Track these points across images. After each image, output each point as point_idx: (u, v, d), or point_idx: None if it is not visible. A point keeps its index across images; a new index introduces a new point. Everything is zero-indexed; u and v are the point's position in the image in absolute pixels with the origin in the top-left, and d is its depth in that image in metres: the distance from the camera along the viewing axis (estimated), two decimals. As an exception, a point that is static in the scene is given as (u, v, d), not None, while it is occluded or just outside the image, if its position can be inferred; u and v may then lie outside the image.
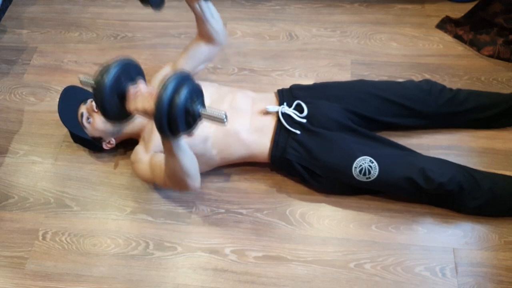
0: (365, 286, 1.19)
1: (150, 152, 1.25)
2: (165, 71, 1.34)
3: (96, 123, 1.30)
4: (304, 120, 1.27)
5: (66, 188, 1.42)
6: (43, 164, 1.49)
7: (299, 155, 1.25)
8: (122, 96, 0.92)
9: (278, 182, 1.38)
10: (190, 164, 1.09)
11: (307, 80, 1.61)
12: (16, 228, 1.36)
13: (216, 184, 1.39)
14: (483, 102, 1.37)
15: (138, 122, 1.33)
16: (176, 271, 1.24)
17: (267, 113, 1.30)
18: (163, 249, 1.28)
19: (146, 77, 1.00)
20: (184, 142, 1.03)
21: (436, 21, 1.76)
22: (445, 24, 1.73)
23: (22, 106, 1.64)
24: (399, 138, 1.38)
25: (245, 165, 1.39)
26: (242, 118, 1.28)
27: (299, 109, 1.29)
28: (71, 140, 1.46)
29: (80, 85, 0.93)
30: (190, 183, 1.13)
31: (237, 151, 1.29)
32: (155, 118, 0.86)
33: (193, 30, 1.31)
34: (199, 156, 1.27)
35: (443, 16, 1.76)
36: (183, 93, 0.85)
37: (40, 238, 1.33)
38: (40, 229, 1.35)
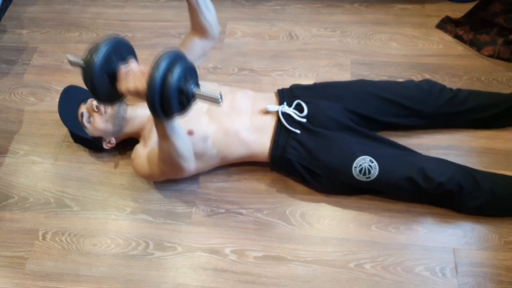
0: (365, 286, 1.19)
1: (148, 148, 1.26)
2: None
3: (96, 122, 1.31)
4: (304, 120, 1.27)
5: (66, 188, 1.42)
6: (43, 164, 1.49)
7: (299, 154, 1.25)
8: (112, 76, 0.88)
9: (278, 182, 1.38)
10: (184, 145, 1.07)
11: (307, 80, 1.61)
12: (16, 228, 1.36)
13: (216, 184, 1.39)
14: (483, 102, 1.37)
15: (139, 122, 1.33)
16: (176, 271, 1.24)
17: (267, 112, 1.30)
18: (163, 249, 1.28)
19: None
20: (178, 123, 1.01)
21: (436, 21, 1.76)
22: (445, 24, 1.73)
23: (22, 106, 1.64)
24: (399, 138, 1.38)
25: (245, 165, 1.39)
26: (242, 117, 1.28)
27: (299, 108, 1.30)
28: (71, 140, 1.46)
29: (70, 65, 0.90)
30: (185, 165, 1.12)
31: (237, 151, 1.29)
32: (147, 98, 0.83)
33: (193, 30, 1.31)
34: (199, 156, 1.28)
35: (443, 16, 1.76)
36: (176, 72, 0.82)
37: (40, 238, 1.33)
38: (40, 229, 1.35)
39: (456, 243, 1.23)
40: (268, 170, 1.40)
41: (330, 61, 1.67)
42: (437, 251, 1.22)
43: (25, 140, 1.55)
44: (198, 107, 1.28)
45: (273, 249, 1.26)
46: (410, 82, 1.38)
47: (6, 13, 1.98)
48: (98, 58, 0.83)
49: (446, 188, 1.16)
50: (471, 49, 1.66)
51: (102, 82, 0.86)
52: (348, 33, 1.76)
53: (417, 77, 1.58)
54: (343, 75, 1.62)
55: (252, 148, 1.28)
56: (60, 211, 1.38)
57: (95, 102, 1.32)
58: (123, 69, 0.88)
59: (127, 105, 1.36)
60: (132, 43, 0.96)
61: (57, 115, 1.36)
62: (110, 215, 1.36)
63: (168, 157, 1.09)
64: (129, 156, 1.34)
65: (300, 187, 1.36)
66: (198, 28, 1.24)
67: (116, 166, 1.46)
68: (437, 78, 1.57)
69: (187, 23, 1.25)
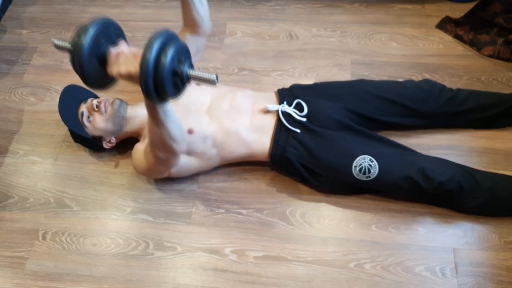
0: (365, 286, 1.19)
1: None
2: None
3: (96, 122, 1.31)
4: (304, 119, 1.27)
5: (66, 188, 1.42)
6: (43, 164, 1.49)
7: (299, 154, 1.25)
8: (102, 59, 0.84)
9: (278, 182, 1.38)
10: (176, 128, 1.04)
11: (307, 80, 1.61)
12: (16, 228, 1.36)
13: (216, 184, 1.39)
14: (483, 102, 1.37)
15: (139, 121, 1.33)
16: (176, 271, 1.24)
17: (267, 112, 1.30)
18: (163, 249, 1.28)
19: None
20: (170, 106, 0.97)
21: (436, 21, 1.76)
22: (445, 24, 1.74)
23: (22, 106, 1.64)
24: (399, 137, 1.38)
25: (245, 165, 1.39)
26: (242, 117, 1.28)
27: (299, 108, 1.30)
28: (71, 140, 1.46)
29: (56, 48, 0.87)
30: (177, 148, 1.09)
31: (237, 150, 1.29)
32: (140, 81, 0.80)
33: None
34: (199, 156, 1.28)
35: (443, 16, 1.76)
36: (170, 53, 0.78)
37: (40, 238, 1.33)
38: (40, 229, 1.35)
39: (456, 243, 1.23)
40: (268, 170, 1.40)
41: (330, 61, 1.67)
42: (437, 251, 1.22)
43: (25, 140, 1.55)
44: (198, 107, 1.29)
45: (273, 249, 1.26)
46: (410, 82, 1.38)
47: (6, 13, 1.98)
48: (86, 40, 0.80)
49: (446, 188, 1.16)
50: (471, 49, 1.66)
51: (91, 66, 0.82)
52: (348, 33, 1.76)
53: (417, 77, 1.58)
54: (343, 75, 1.62)
55: (252, 148, 1.28)
56: (60, 211, 1.38)
57: (95, 102, 1.32)
58: (113, 51, 0.84)
59: (127, 104, 1.36)
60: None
61: (57, 115, 1.36)
62: (110, 215, 1.36)
63: (160, 140, 1.06)
64: (129, 156, 1.34)
65: (300, 187, 1.36)
66: (190, 23, 1.22)
67: (116, 166, 1.46)
68: (437, 78, 1.57)
69: (187, 23, 1.24)
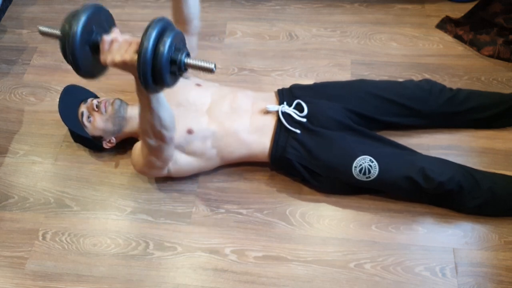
0: (365, 286, 1.19)
1: None
2: None
3: (96, 122, 1.31)
4: (304, 120, 1.27)
5: (66, 188, 1.42)
6: (43, 164, 1.49)
7: (299, 154, 1.25)
8: (94, 47, 0.81)
9: (278, 182, 1.38)
10: (167, 116, 1.03)
11: (307, 80, 1.61)
12: (16, 228, 1.36)
13: (216, 184, 1.39)
14: (483, 102, 1.37)
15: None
16: (176, 271, 1.24)
17: (267, 112, 1.30)
18: (163, 249, 1.28)
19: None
20: (162, 94, 0.96)
21: (436, 21, 1.76)
22: (445, 24, 1.73)
23: (22, 106, 1.64)
24: (399, 137, 1.38)
25: (245, 165, 1.39)
26: (242, 117, 1.28)
27: (299, 108, 1.30)
28: (71, 140, 1.46)
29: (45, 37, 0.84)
30: (167, 135, 1.08)
31: (237, 151, 1.29)
32: (139, 70, 0.77)
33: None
34: (199, 156, 1.28)
35: (443, 16, 1.76)
36: (168, 42, 0.76)
37: (40, 238, 1.33)
38: (40, 229, 1.35)
39: (456, 243, 1.23)
40: (268, 170, 1.40)
41: (330, 61, 1.67)
42: (437, 251, 1.22)
43: (25, 140, 1.55)
44: (198, 108, 1.29)
45: (273, 249, 1.26)
46: (410, 82, 1.38)
47: (6, 13, 1.98)
48: (78, 27, 0.76)
49: (446, 188, 1.16)
50: (471, 49, 1.66)
51: (83, 55, 0.79)
52: (348, 33, 1.76)
53: (417, 77, 1.58)
54: (343, 75, 1.62)
55: (252, 148, 1.28)
56: (60, 211, 1.38)
57: (95, 102, 1.32)
58: (106, 38, 0.81)
59: (127, 104, 1.36)
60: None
61: (57, 115, 1.36)
62: (110, 215, 1.36)
63: (151, 127, 1.04)
64: (129, 156, 1.34)
65: (300, 187, 1.36)
66: (180, 20, 1.21)
67: (116, 166, 1.46)
68: (437, 78, 1.57)
69: (187, 23, 1.24)
